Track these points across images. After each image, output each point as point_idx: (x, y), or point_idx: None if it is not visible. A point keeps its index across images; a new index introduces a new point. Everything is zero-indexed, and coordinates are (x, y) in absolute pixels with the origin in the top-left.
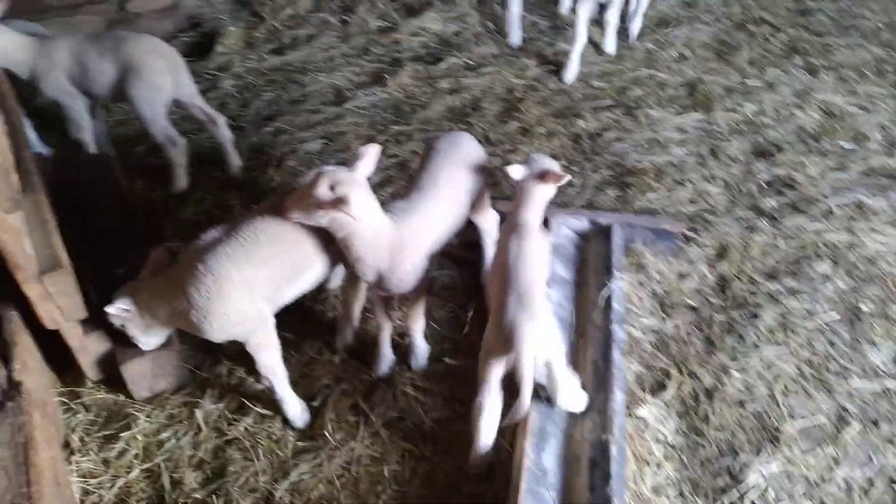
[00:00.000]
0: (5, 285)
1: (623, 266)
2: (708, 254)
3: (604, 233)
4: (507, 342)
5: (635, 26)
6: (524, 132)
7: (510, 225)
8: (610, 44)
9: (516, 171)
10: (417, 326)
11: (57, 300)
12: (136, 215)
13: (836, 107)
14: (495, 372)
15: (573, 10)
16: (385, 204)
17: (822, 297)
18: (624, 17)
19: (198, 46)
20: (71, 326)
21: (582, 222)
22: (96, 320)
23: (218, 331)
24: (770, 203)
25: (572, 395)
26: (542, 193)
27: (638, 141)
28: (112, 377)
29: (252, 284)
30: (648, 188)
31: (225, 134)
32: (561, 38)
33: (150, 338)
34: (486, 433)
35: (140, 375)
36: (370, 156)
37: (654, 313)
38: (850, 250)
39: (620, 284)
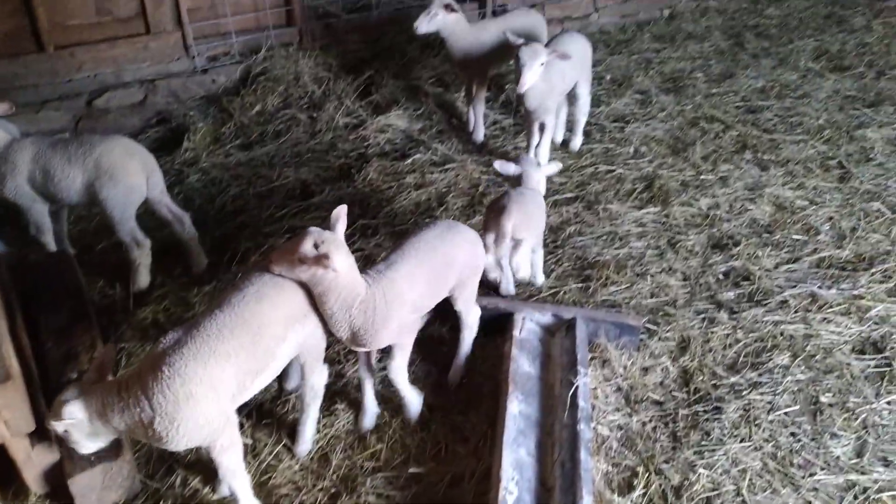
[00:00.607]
0: None
1: (588, 361)
2: (670, 347)
3: (568, 327)
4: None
5: (577, 141)
6: None
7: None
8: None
9: (510, 167)
10: (400, 380)
11: (3, 413)
12: (92, 315)
13: (787, 200)
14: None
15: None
16: (366, 267)
17: (782, 390)
18: (569, 126)
19: (166, 141)
20: (17, 439)
21: (546, 316)
22: (44, 430)
23: (183, 438)
24: (728, 295)
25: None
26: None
27: (598, 234)
28: (59, 489)
29: (216, 383)
30: (610, 281)
31: (190, 232)
32: (521, 137)
33: (93, 442)
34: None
35: (89, 488)
36: (343, 217)
37: (619, 409)
38: (807, 341)
39: (586, 381)
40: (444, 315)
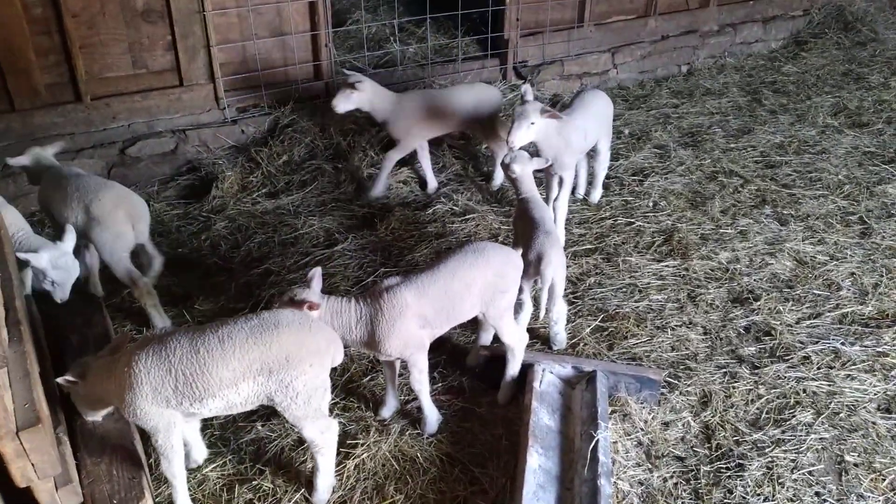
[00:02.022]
0: None
1: (608, 415)
2: (691, 402)
3: (588, 380)
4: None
5: (596, 194)
6: None
7: (523, 201)
8: (595, 194)
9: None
10: (419, 392)
11: (32, 457)
12: None
13: (808, 255)
14: (526, 286)
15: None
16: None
17: (806, 448)
18: (590, 179)
19: (195, 188)
20: (43, 482)
21: (566, 368)
22: (69, 474)
23: (135, 419)
24: (749, 350)
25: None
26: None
27: (618, 286)
28: None
29: (162, 392)
30: (630, 334)
31: (156, 268)
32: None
33: (92, 412)
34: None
35: None
36: (318, 276)
37: (640, 464)
38: (831, 398)
39: (606, 435)
40: (459, 367)
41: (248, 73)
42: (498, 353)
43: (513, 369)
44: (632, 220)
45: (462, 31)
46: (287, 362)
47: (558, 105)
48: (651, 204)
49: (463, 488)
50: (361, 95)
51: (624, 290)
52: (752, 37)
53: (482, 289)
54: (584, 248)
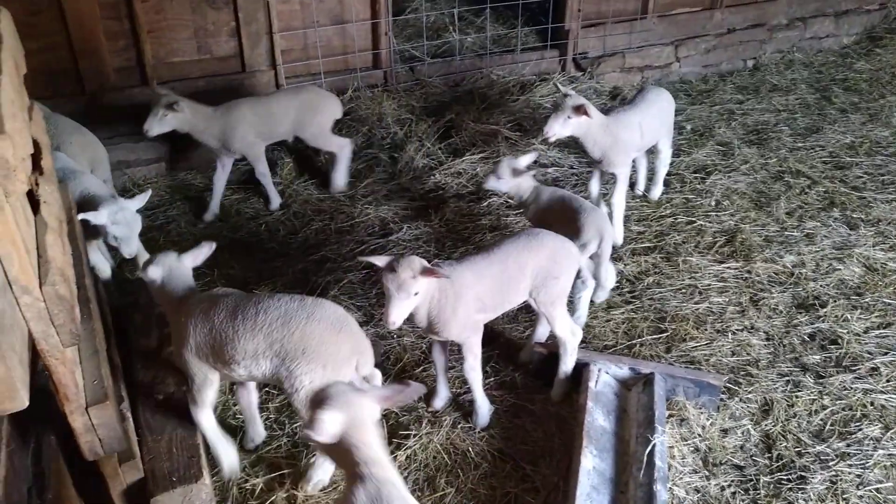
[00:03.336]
0: (43, 409)
1: (665, 419)
2: (751, 409)
3: (645, 382)
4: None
5: (657, 191)
6: None
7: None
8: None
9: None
10: (472, 381)
11: (99, 432)
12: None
13: (878, 262)
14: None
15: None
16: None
17: (872, 463)
18: (650, 176)
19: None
20: (108, 457)
21: (623, 370)
22: (131, 450)
23: (178, 363)
24: (814, 358)
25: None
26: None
27: (677, 287)
28: None
29: (202, 349)
30: (689, 336)
31: None
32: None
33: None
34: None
35: None
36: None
37: (697, 471)
38: None
39: (663, 439)
40: (513, 362)
41: (309, 60)
42: (552, 350)
43: (566, 366)
44: (693, 219)
45: (521, 20)
46: (302, 354)
47: (618, 98)
48: (713, 203)
49: (514, 485)
50: (178, 117)
51: (683, 290)
52: (823, 31)
53: (535, 272)
54: (642, 245)
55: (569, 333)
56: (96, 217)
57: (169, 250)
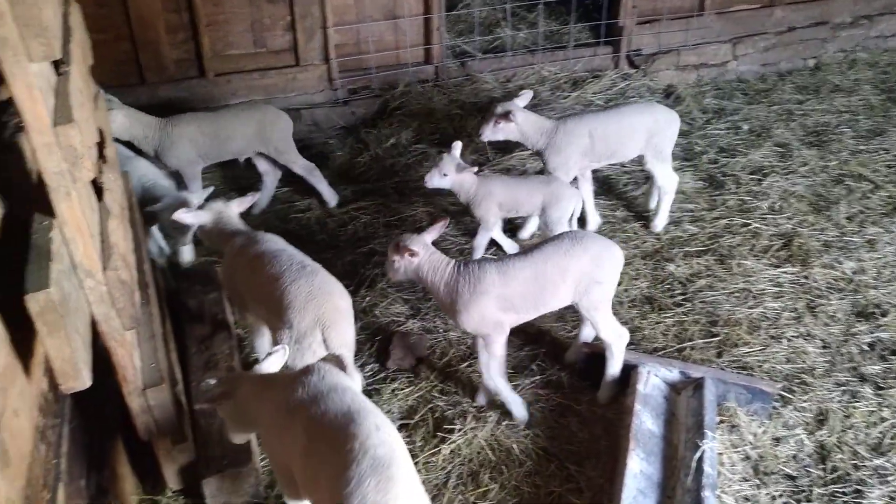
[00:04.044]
0: (102, 389)
1: (715, 425)
2: (806, 418)
3: (695, 386)
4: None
5: (657, 221)
6: None
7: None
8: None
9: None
10: (486, 376)
11: (154, 413)
12: (231, 326)
13: None
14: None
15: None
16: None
17: None
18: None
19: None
20: (162, 438)
21: (673, 373)
22: (184, 432)
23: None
24: (873, 369)
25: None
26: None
27: (730, 290)
28: (191, 488)
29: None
30: (741, 341)
31: None
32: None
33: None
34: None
35: (219, 490)
36: (437, 228)
37: (747, 479)
38: None
39: (713, 445)
40: (559, 361)
41: (361, 54)
42: (598, 350)
43: (613, 368)
44: (748, 222)
45: (575, 16)
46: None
47: (672, 96)
48: (770, 206)
49: (558, 484)
50: (115, 122)
51: (737, 294)
52: (890, 30)
53: (577, 277)
54: (695, 248)
55: (615, 336)
56: (158, 209)
57: (218, 198)
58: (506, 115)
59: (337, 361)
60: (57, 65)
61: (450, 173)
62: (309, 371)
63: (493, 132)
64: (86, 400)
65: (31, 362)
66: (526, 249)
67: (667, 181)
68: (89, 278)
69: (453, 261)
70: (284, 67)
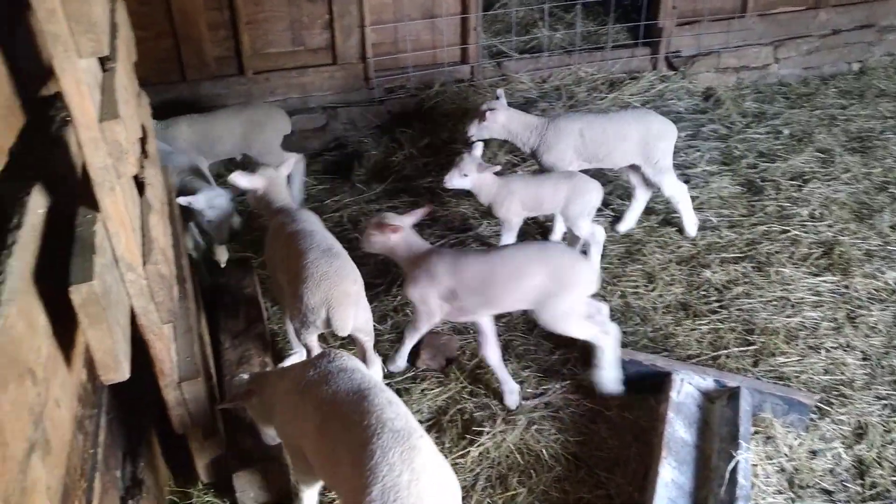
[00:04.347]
0: (138, 381)
1: (750, 435)
2: (844, 432)
3: (730, 395)
4: None
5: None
6: (646, 276)
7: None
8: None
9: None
10: (407, 334)
11: (189, 407)
12: (265, 321)
13: None
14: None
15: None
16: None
17: None
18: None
19: (341, 165)
20: (195, 431)
21: (707, 381)
22: (216, 424)
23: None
24: None
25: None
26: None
27: (768, 298)
28: (221, 482)
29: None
30: (778, 351)
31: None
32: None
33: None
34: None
35: (249, 484)
36: (419, 213)
37: (782, 492)
38: None
39: (747, 456)
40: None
41: (398, 54)
42: (633, 358)
43: (606, 364)
44: (787, 229)
45: (613, 17)
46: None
47: (711, 99)
48: (810, 213)
49: (587, 491)
50: None
51: (774, 303)
52: None
53: (531, 286)
54: (732, 254)
55: (593, 337)
56: (195, 202)
57: (268, 166)
58: (489, 113)
59: (359, 350)
60: (103, 61)
61: (470, 173)
62: (320, 355)
63: (479, 131)
64: (122, 392)
65: (72, 353)
66: (492, 248)
67: (675, 190)
68: (130, 272)
69: (428, 245)
70: (322, 66)
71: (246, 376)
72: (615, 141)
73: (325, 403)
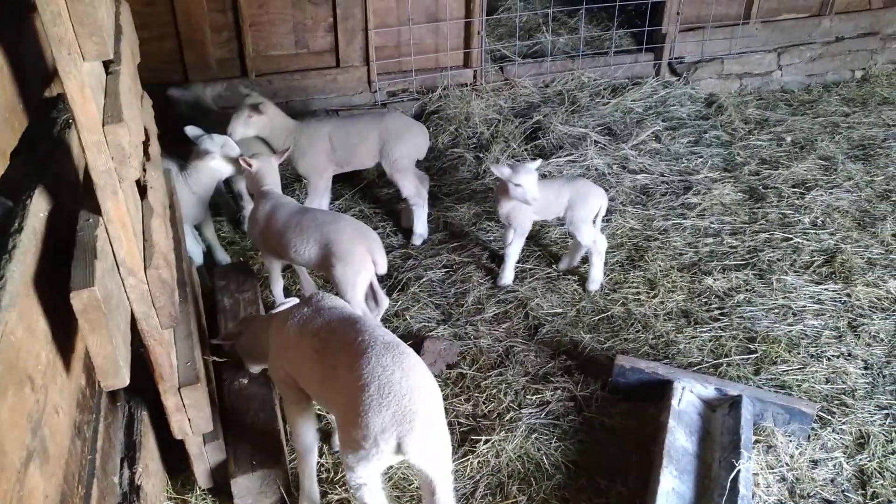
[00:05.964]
0: (136, 385)
1: (751, 444)
2: (845, 441)
3: (731, 404)
4: None
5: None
6: (648, 283)
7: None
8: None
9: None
10: None
11: (189, 412)
12: None
13: None
14: None
15: None
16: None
17: None
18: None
19: None
20: (195, 436)
21: (708, 389)
22: (216, 431)
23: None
24: None
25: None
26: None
27: (769, 306)
28: (220, 487)
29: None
30: (780, 359)
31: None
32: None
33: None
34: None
35: (247, 490)
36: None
37: (783, 502)
38: None
39: (749, 465)
40: (593, 375)
41: (401, 57)
42: (634, 365)
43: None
44: (789, 236)
45: (617, 22)
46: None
47: (713, 105)
48: (812, 220)
49: (588, 499)
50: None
51: (776, 311)
52: None
53: (318, 253)
54: (734, 262)
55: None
56: (209, 143)
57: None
58: (256, 108)
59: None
60: (107, 63)
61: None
62: (310, 296)
63: (245, 127)
64: (120, 396)
65: (71, 358)
66: (308, 210)
67: (410, 192)
68: (131, 276)
69: (275, 191)
70: (325, 69)
71: (245, 381)
72: (358, 143)
73: (321, 331)
